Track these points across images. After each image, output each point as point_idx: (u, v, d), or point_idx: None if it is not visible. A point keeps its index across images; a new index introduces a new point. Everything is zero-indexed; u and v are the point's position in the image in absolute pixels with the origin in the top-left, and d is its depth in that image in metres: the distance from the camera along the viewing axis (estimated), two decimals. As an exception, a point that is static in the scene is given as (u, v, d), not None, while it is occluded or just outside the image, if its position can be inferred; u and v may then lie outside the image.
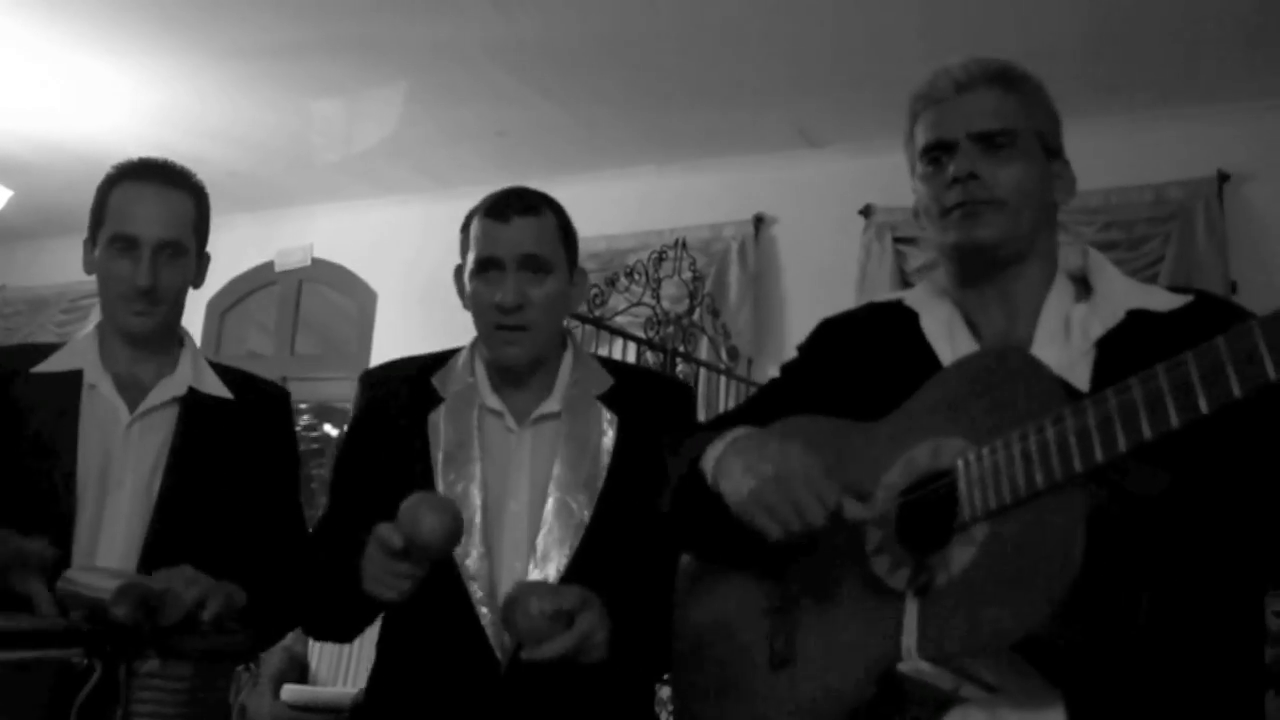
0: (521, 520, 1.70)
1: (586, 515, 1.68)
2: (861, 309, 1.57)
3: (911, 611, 1.13)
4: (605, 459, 1.72)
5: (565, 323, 1.92)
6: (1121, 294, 1.32)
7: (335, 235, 6.57)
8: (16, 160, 6.01)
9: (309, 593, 1.73)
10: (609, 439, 1.73)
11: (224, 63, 4.80)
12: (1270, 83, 4.25)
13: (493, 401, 1.77)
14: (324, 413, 8.47)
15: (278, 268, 6.65)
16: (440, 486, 1.71)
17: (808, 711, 1.23)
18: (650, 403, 1.79)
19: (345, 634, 1.80)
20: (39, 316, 7.32)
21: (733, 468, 1.30)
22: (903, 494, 1.22)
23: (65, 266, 7.67)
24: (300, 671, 5.46)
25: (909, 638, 1.12)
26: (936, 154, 1.39)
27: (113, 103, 5.27)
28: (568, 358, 1.81)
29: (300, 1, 4.23)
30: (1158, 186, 4.47)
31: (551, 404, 1.76)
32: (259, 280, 6.81)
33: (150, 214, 1.80)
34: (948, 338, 1.38)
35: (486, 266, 1.74)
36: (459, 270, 1.82)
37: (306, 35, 4.49)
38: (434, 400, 1.78)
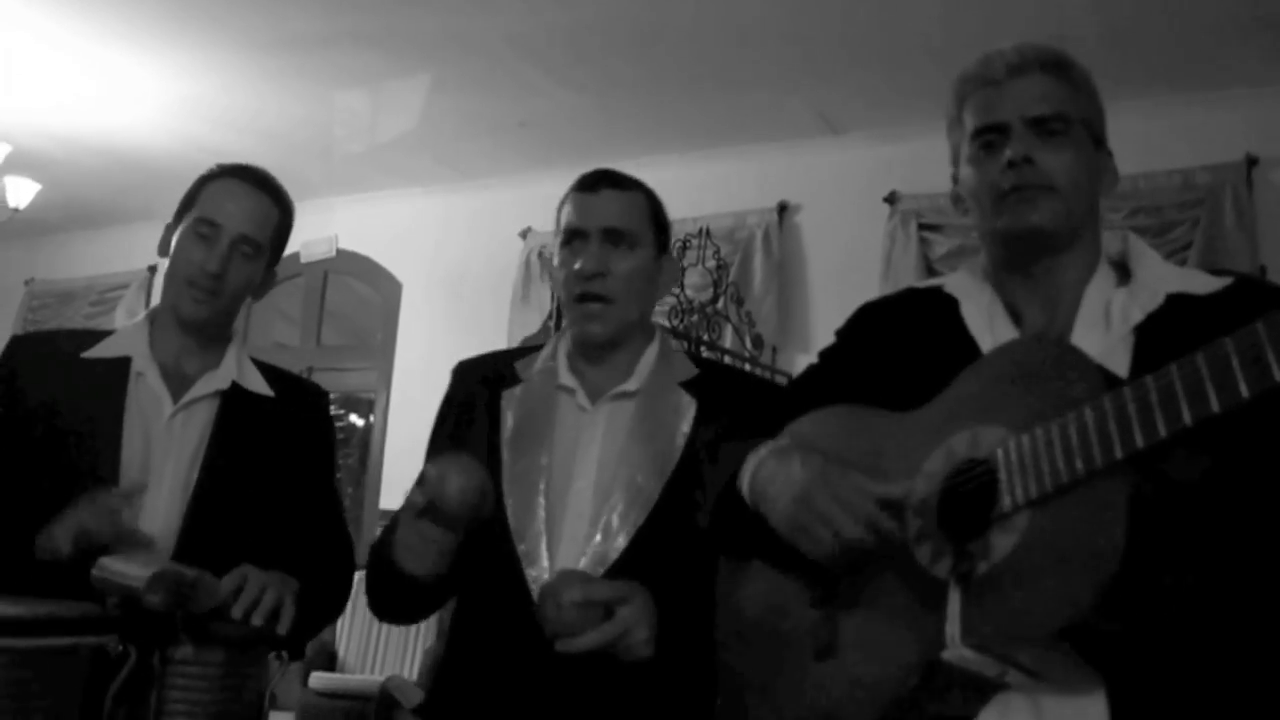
0: (586, 497, 1.66)
1: (655, 493, 1.64)
2: (901, 293, 1.56)
3: (954, 599, 1.13)
4: (680, 441, 1.68)
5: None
6: (1160, 278, 1.31)
7: (360, 226, 6.60)
8: (44, 155, 6.06)
9: (373, 571, 1.71)
10: (687, 423, 1.70)
11: (248, 55, 4.82)
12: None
13: (567, 379, 1.75)
14: (350, 403, 8.52)
15: (303, 259, 6.69)
16: (506, 463, 1.69)
17: (852, 700, 1.23)
18: (736, 398, 1.73)
19: (405, 615, 1.78)
20: (67, 309, 7.39)
21: (766, 490, 1.31)
22: (943, 482, 1.21)
23: (93, 259, 7.75)
24: (328, 659, 5.51)
25: (952, 625, 1.12)
26: (989, 137, 1.37)
27: (138, 96, 5.31)
28: (653, 347, 1.79)
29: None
30: (1185, 171, 4.43)
31: (629, 384, 1.73)
32: (284, 272, 6.74)
33: (237, 207, 1.86)
34: (988, 326, 1.37)
35: (571, 237, 1.74)
36: (552, 257, 1.81)
37: (330, 27, 4.51)
38: (512, 382, 1.79)
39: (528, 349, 1.86)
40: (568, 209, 1.76)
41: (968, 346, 1.35)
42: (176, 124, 5.47)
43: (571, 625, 1.47)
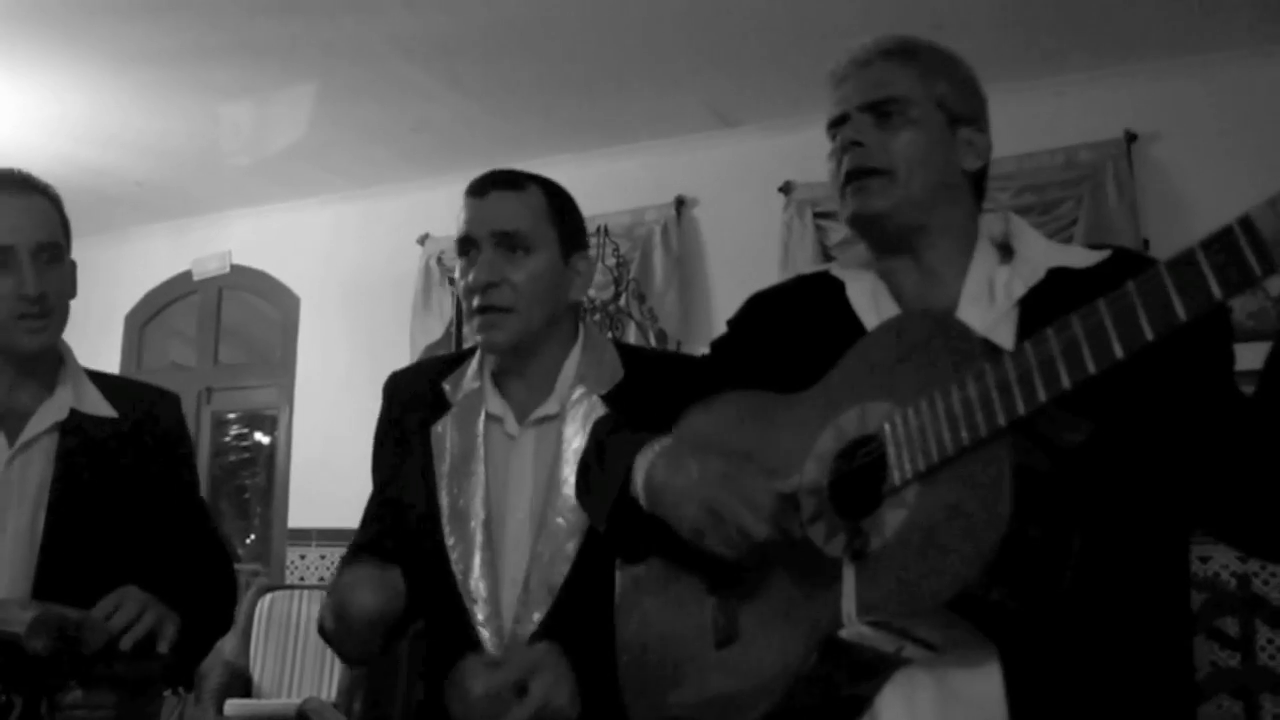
0: (524, 531, 1.62)
1: (584, 529, 1.58)
2: (790, 281, 1.57)
3: (848, 577, 1.14)
4: None
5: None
6: (1042, 254, 1.34)
7: (253, 240, 6.45)
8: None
9: (321, 629, 1.64)
10: None
11: (124, 70, 4.67)
12: (1170, 42, 4.34)
13: (495, 406, 1.69)
14: (253, 421, 8.34)
15: (196, 276, 6.52)
16: (444, 502, 1.64)
17: (753, 685, 1.24)
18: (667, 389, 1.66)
19: (362, 664, 1.75)
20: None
21: (664, 495, 1.30)
22: (834, 462, 1.22)
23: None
24: (244, 685, 5.38)
25: (848, 603, 1.13)
26: (834, 130, 1.42)
27: (2, 116, 5.11)
28: (575, 352, 1.70)
29: (198, 5, 4.12)
30: (1068, 150, 4.54)
31: (550, 405, 1.66)
32: (177, 290, 6.67)
33: (18, 221, 1.71)
34: (873, 306, 1.39)
35: (465, 246, 1.66)
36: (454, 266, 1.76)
37: (207, 39, 4.39)
38: (443, 407, 1.71)
39: (455, 359, 1.79)
40: (460, 216, 1.68)
41: (854, 327, 1.36)
42: (46, 142, 5.27)
43: (484, 716, 1.44)
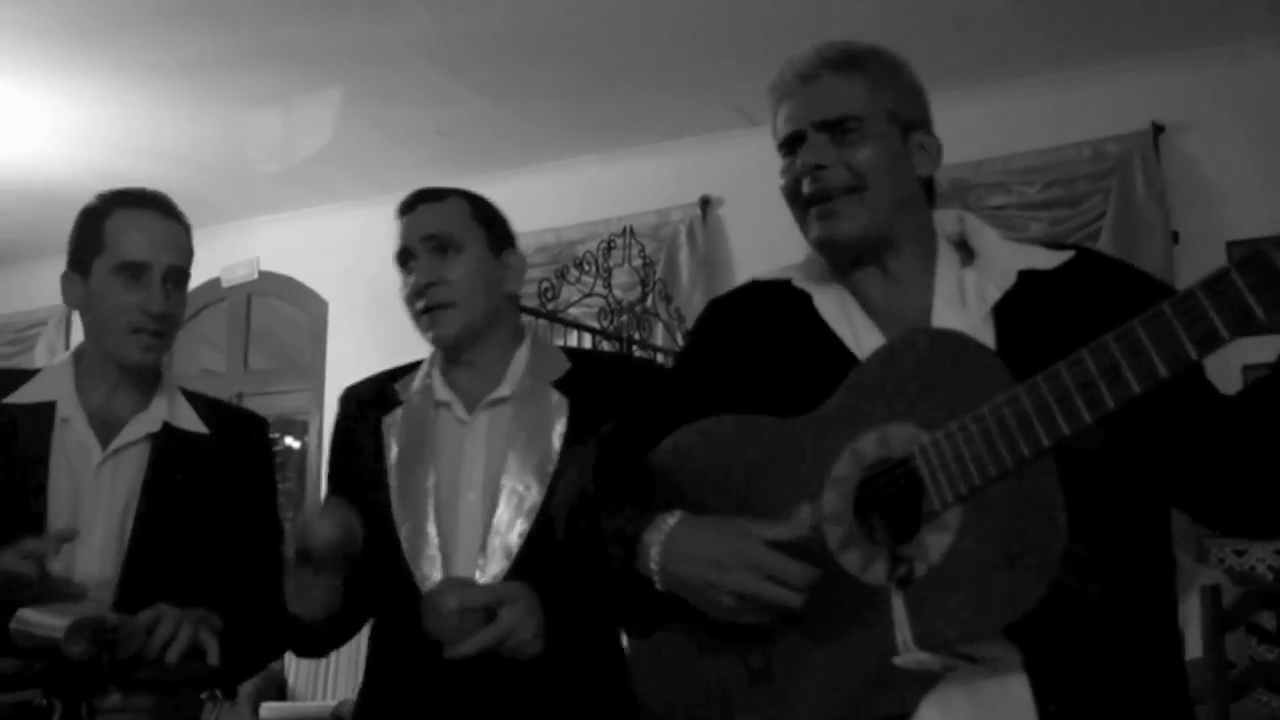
0: (476, 509, 1.70)
1: (538, 499, 1.66)
2: (746, 286, 1.54)
3: (898, 605, 1.12)
4: (556, 443, 1.71)
5: (523, 318, 1.93)
6: (1006, 255, 1.33)
7: (281, 246, 6.49)
8: (-55, 192, 5.88)
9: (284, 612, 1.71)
10: (561, 423, 1.72)
11: (149, 79, 4.72)
12: (1197, 33, 4.30)
13: (443, 393, 1.78)
14: (283, 425, 8.39)
15: (224, 283, 6.57)
16: (394, 488, 1.72)
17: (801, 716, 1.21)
18: (613, 386, 1.74)
19: (317, 650, 1.83)
20: (-17, 349, 7.18)
21: (687, 585, 1.23)
22: (858, 488, 1.20)
23: (5, 297, 7.56)
24: (278, 688, 5.42)
25: (902, 631, 1.11)
26: (791, 146, 1.39)
27: (33, 128, 5.16)
28: (523, 349, 1.81)
29: (223, 13, 4.17)
30: (1095, 142, 4.50)
31: (502, 390, 1.75)
32: (206, 297, 6.72)
33: (158, 240, 1.79)
34: (844, 317, 1.37)
35: (403, 259, 1.79)
36: None
37: (232, 46, 4.43)
38: (393, 405, 1.81)
39: (408, 367, 1.88)
40: (396, 235, 1.80)
41: (828, 340, 1.35)
42: (77, 152, 5.32)
43: (453, 631, 1.49)
